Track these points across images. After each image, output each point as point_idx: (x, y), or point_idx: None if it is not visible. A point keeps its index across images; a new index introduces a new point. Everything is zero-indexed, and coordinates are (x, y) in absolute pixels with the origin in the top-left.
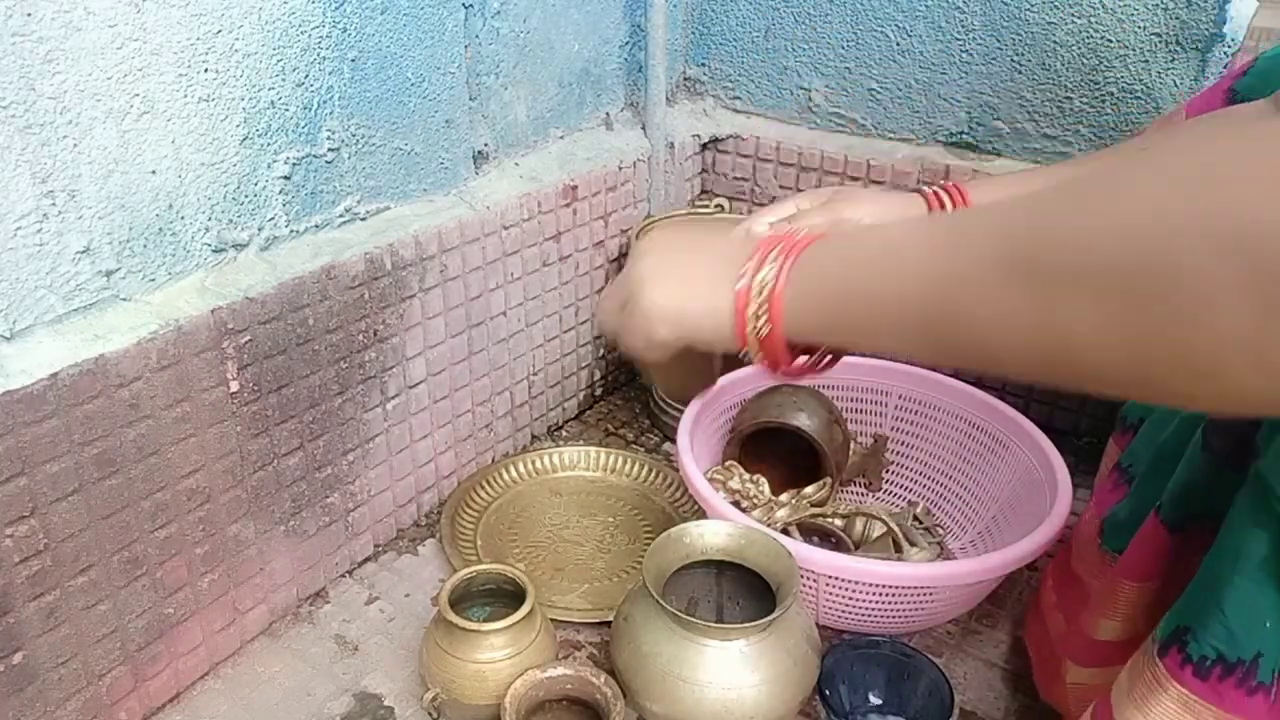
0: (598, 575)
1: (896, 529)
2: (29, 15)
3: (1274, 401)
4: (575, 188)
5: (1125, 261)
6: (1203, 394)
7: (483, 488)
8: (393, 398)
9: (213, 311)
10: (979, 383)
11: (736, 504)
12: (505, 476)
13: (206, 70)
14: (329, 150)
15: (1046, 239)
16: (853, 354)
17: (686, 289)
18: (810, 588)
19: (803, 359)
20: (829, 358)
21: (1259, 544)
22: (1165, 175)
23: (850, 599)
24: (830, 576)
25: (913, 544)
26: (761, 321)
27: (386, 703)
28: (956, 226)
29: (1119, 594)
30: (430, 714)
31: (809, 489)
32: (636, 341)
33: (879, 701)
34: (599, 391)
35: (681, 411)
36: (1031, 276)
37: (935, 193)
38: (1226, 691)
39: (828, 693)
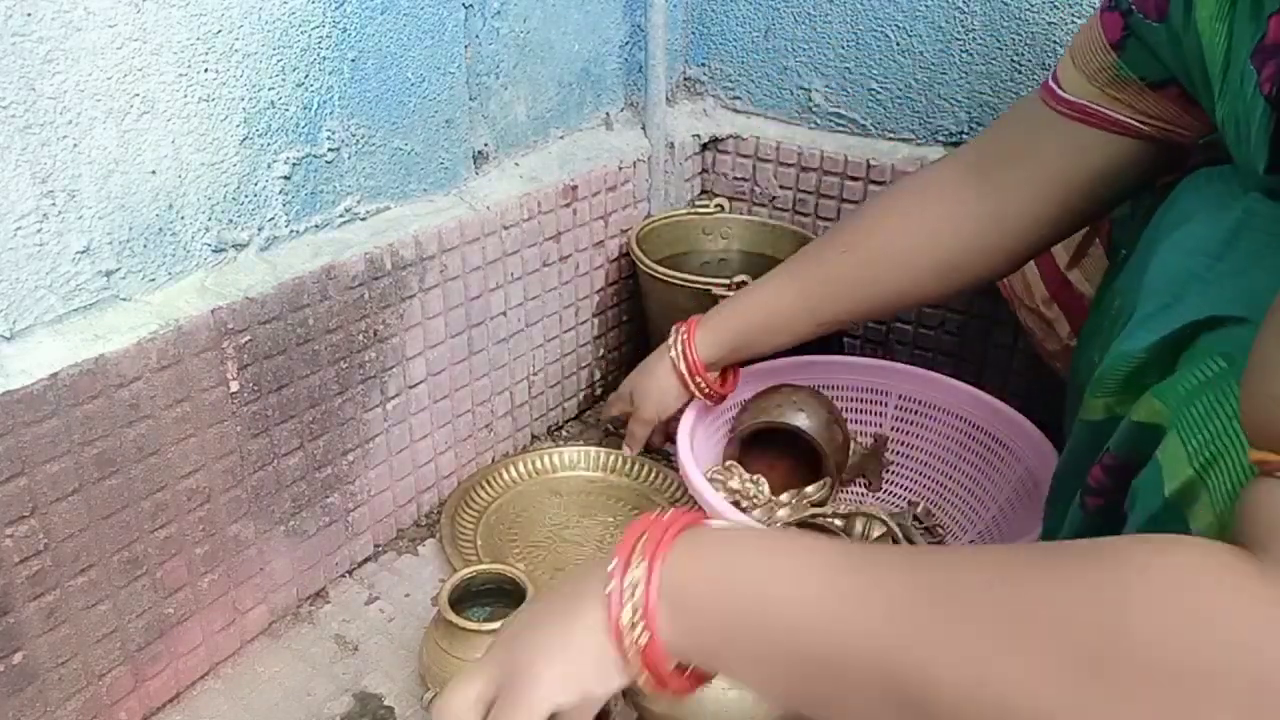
0: None
1: (896, 529)
2: (29, 15)
3: None
4: (575, 188)
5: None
6: None
7: (483, 487)
8: (393, 398)
9: (213, 311)
10: (979, 383)
11: (737, 504)
12: (505, 476)
13: (206, 70)
14: (329, 150)
15: (925, 687)
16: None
17: (558, 635)
18: None
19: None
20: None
21: None
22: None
23: None
24: None
25: (913, 544)
26: (639, 630)
27: (386, 703)
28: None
29: None
30: (430, 714)
31: (809, 489)
32: None
33: None
34: (599, 391)
35: (681, 411)
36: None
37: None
38: None
39: None
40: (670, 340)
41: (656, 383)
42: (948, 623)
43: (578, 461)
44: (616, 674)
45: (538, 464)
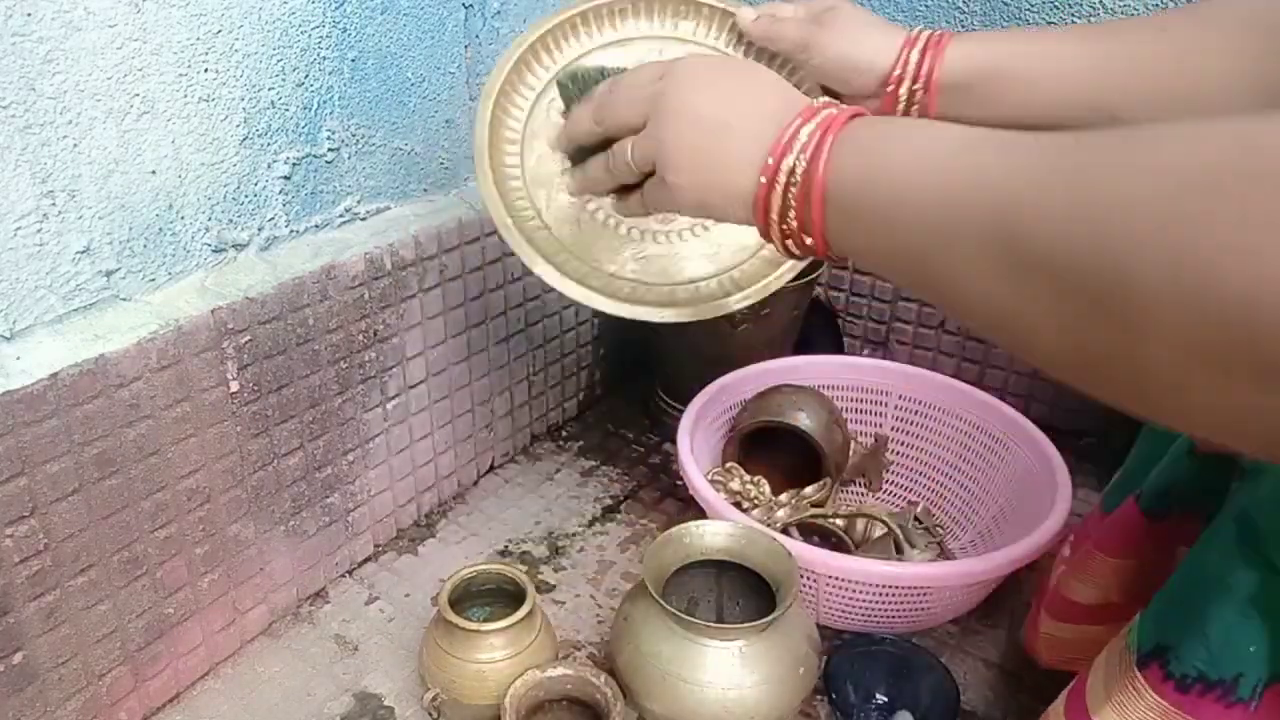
0: (668, 223)
1: (897, 530)
2: (29, 15)
3: (1210, 430)
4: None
5: (1086, 260)
6: (1147, 413)
7: (547, 51)
8: (393, 398)
9: (213, 311)
10: (979, 383)
11: (737, 504)
12: (582, 35)
13: (206, 70)
14: (329, 150)
15: (1029, 218)
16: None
17: (708, 174)
18: (810, 588)
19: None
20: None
21: (1247, 581)
22: (1150, 178)
23: (850, 599)
24: (830, 576)
25: (913, 545)
26: (790, 216)
27: (386, 703)
28: (971, 171)
29: (1092, 563)
30: (430, 714)
31: (809, 489)
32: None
33: (885, 699)
34: (599, 391)
35: (681, 411)
36: (1008, 256)
37: (912, 36)
38: (1206, 706)
39: (835, 695)
40: (910, 32)
41: (862, 35)
42: (1060, 160)
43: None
44: (744, 220)
45: (634, 18)
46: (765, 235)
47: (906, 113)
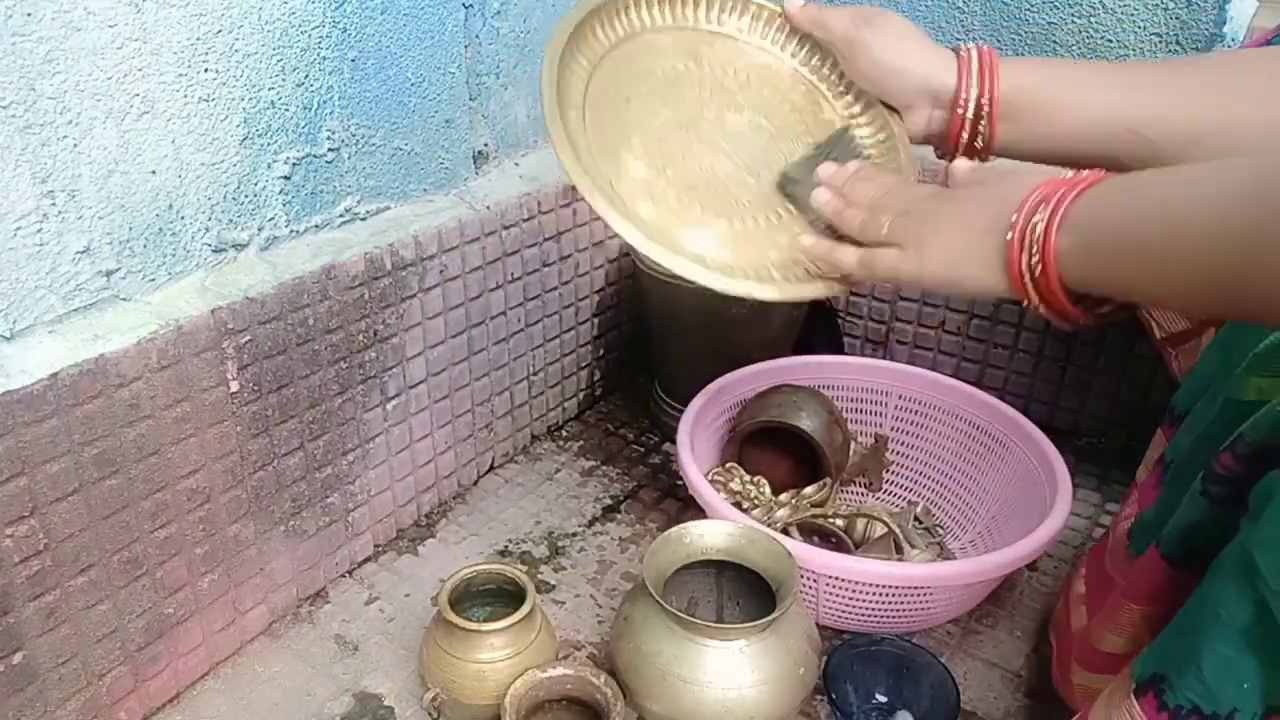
0: (743, 209)
1: (897, 530)
2: (29, 15)
3: None
4: (575, 187)
5: None
6: None
7: (601, 26)
8: (393, 398)
9: (213, 311)
10: (979, 383)
11: (737, 504)
12: (636, 15)
13: (206, 70)
14: (329, 150)
15: None
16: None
17: (955, 253)
18: (810, 588)
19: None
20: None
21: (1240, 614)
22: None
23: (850, 599)
24: (830, 576)
25: (913, 545)
26: (1035, 261)
27: (386, 703)
28: (1258, 195)
29: (1122, 614)
30: (430, 714)
31: (809, 489)
32: (904, 270)
33: (885, 699)
34: (599, 391)
35: (681, 411)
36: None
37: (964, 56)
38: None
39: (835, 695)
40: (961, 52)
41: (911, 47)
42: None
43: (743, 28)
44: (1000, 292)
45: (680, 8)
46: (1019, 286)
47: (974, 131)
